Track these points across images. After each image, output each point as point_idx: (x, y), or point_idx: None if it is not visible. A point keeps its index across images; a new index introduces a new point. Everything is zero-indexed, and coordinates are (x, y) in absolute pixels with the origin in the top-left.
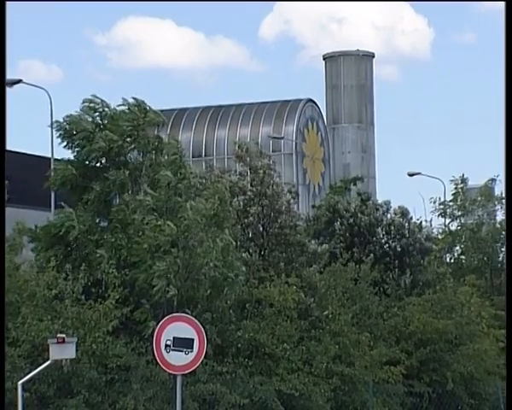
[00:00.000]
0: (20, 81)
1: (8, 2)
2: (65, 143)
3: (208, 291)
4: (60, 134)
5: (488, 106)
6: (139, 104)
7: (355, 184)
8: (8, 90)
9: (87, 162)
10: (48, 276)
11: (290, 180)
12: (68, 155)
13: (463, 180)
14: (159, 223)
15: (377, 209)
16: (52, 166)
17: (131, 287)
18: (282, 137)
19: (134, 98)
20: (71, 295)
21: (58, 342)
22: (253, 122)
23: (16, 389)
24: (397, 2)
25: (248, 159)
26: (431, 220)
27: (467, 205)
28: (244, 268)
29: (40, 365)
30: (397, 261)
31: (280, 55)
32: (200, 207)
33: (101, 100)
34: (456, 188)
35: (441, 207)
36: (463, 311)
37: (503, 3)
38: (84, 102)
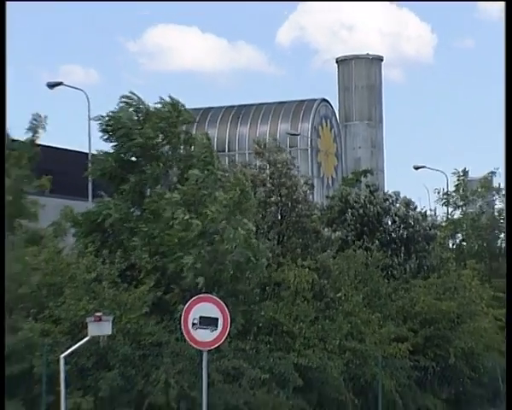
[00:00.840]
0: (60, 83)
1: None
2: (106, 137)
3: (231, 272)
4: (102, 129)
5: (486, 106)
6: (174, 103)
7: (365, 176)
8: (49, 91)
9: (123, 156)
10: (87, 260)
11: (306, 173)
12: (105, 148)
13: (465, 172)
14: (186, 217)
15: (386, 200)
16: (90, 158)
17: (163, 271)
18: (299, 134)
19: (170, 97)
20: (108, 278)
21: (95, 320)
22: (272, 120)
23: (58, 361)
24: (401, 9)
25: (267, 154)
26: (435, 209)
27: (468, 195)
28: (270, 253)
29: (80, 340)
30: (403, 247)
31: (296, 59)
32: (223, 198)
33: (138, 97)
34: (458, 180)
35: (445, 197)
36: (465, 292)
37: (500, 9)
38: (121, 97)
